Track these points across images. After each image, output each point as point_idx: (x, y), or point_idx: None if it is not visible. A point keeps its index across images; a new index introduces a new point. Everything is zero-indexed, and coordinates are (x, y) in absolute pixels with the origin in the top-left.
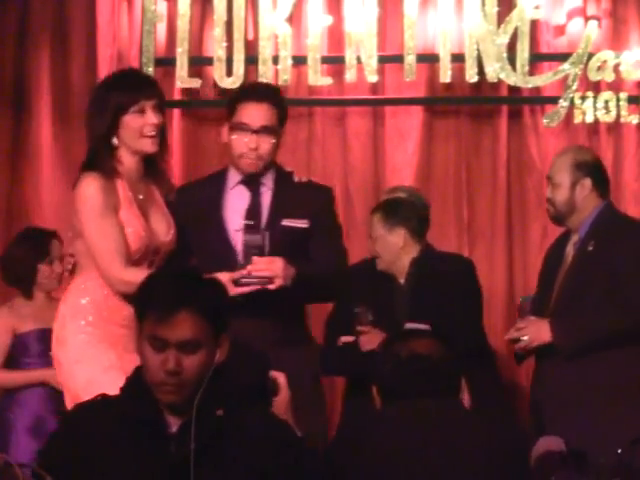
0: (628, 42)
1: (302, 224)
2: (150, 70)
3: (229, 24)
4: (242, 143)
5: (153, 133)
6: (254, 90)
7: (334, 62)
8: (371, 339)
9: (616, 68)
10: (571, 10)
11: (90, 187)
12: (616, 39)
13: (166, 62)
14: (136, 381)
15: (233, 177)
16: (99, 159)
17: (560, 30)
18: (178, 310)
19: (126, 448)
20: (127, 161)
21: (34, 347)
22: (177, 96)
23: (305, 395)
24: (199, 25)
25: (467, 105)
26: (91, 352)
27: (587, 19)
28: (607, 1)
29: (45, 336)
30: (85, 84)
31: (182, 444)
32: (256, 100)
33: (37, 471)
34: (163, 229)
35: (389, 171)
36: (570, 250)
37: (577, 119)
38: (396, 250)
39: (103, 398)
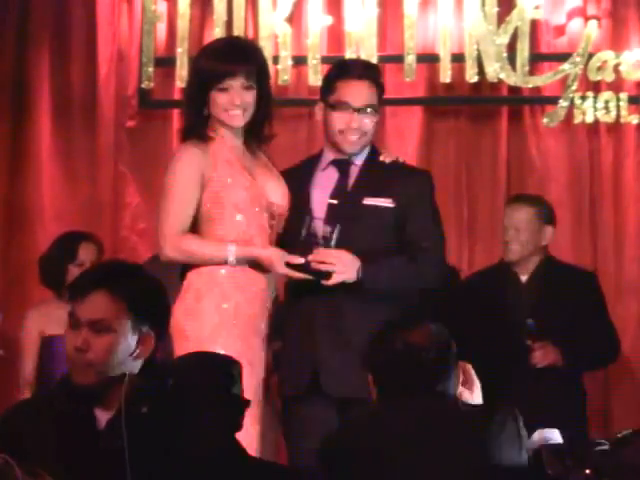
0: (628, 42)
1: (386, 203)
2: (150, 70)
3: (229, 24)
4: (343, 122)
5: (236, 112)
6: (354, 68)
7: (334, 62)
8: (547, 355)
9: (616, 68)
10: (571, 10)
11: (183, 156)
12: (616, 39)
13: (166, 62)
14: (68, 376)
15: (326, 158)
16: (194, 128)
17: (560, 30)
18: (92, 289)
19: (58, 444)
20: (222, 131)
21: (58, 351)
22: (177, 96)
23: None
24: (199, 25)
25: (467, 105)
26: (222, 339)
27: (587, 19)
28: (607, 1)
29: None
30: (85, 84)
31: (109, 440)
32: (357, 78)
33: (37, 471)
34: (273, 190)
35: None
36: None
37: (577, 119)
38: (539, 247)
39: (41, 394)
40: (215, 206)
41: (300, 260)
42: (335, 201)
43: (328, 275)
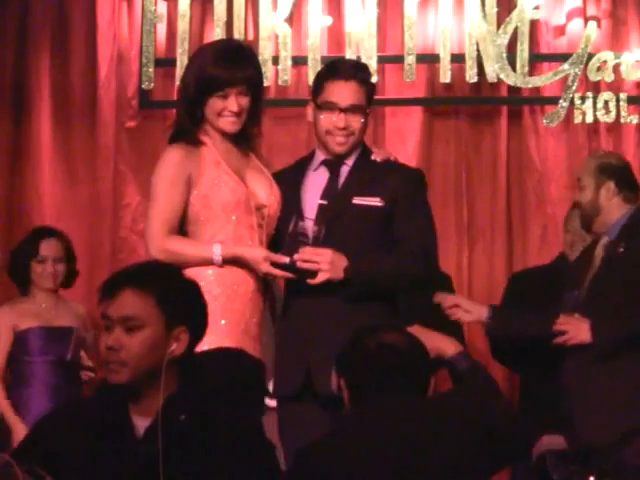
0: (628, 42)
1: (375, 202)
2: (150, 70)
3: (229, 24)
4: (330, 122)
5: (232, 119)
6: (342, 68)
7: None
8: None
9: (616, 68)
10: (571, 10)
11: (168, 158)
12: (616, 39)
13: (166, 62)
14: (107, 383)
15: (317, 158)
16: (184, 130)
17: (560, 30)
18: (122, 287)
19: (96, 451)
20: (213, 133)
21: (33, 344)
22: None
23: None
24: (199, 25)
25: (467, 105)
26: (209, 338)
27: (587, 19)
28: (607, 1)
29: (46, 334)
30: (85, 84)
31: (147, 448)
32: (344, 78)
33: (37, 471)
34: (263, 191)
35: None
36: (600, 252)
37: (577, 119)
38: None
39: (78, 401)
40: (203, 208)
41: (285, 259)
42: (325, 201)
43: (314, 274)
